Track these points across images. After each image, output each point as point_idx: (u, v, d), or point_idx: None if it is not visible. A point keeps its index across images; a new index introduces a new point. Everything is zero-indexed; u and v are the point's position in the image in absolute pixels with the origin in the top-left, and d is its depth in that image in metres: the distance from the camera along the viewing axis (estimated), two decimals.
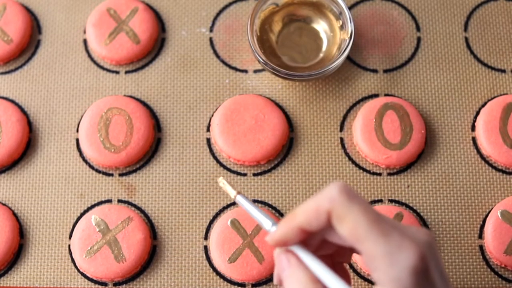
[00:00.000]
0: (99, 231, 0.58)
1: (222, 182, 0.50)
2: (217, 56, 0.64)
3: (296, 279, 0.41)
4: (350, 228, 0.39)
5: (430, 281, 0.39)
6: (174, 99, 0.63)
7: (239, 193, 0.48)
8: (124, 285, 0.58)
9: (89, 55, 0.65)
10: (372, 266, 0.39)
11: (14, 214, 0.60)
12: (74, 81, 0.64)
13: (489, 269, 0.58)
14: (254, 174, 0.61)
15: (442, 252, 0.59)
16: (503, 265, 0.58)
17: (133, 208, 0.60)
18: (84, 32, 0.65)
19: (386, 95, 0.63)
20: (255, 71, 0.64)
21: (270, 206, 0.60)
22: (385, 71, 0.64)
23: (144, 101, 0.63)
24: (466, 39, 0.65)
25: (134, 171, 0.61)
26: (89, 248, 0.58)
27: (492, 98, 0.63)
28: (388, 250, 0.38)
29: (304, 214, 0.41)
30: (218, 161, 0.61)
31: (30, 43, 0.65)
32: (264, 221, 0.45)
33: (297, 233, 0.42)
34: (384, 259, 0.38)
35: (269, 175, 0.61)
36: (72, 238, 0.59)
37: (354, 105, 0.63)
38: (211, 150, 0.62)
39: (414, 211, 0.60)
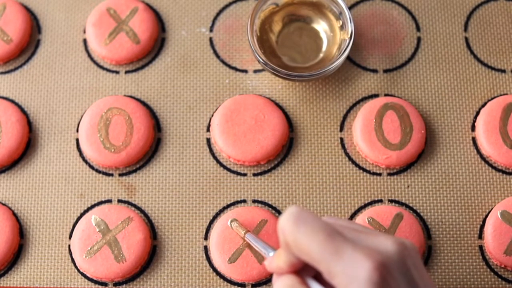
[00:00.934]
0: (99, 231, 0.58)
1: (235, 225, 0.57)
2: (217, 56, 0.64)
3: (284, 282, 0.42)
4: (305, 252, 0.39)
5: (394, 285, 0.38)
6: (174, 99, 0.63)
7: (248, 231, 0.55)
8: (124, 285, 0.58)
9: (89, 55, 0.65)
10: (334, 284, 0.39)
11: (14, 214, 0.60)
12: (74, 81, 0.64)
13: (488, 270, 0.58)
14: (254, 174, 0.61)
15: (442, 252, 0.59)
16: (502, 266, 0.58)
17: (133, 208, 0.60)
18: (84, 32, 0.65)
19: (386, 95, 0.63)
20: (255, 71, 0.64)
21: (270, 206, 0.60)
22: (385, 71, 0.64)
23: (144, 101, 0.63)
24: (466, 39, 0.65)
25: (134, 171, 0.61)
26: (89, 248, 0.58)
27: (492, 98, 0.63)
28: (342, 267, 0.38)
29: (282, 250, 0.42)
30: (218, 161, 0.61)
31: (30, 42, 0.65)
32: (267, 251, 0.50)
33: (290, 266, 0.42)
34: (341, 276, 0.38)
35: (269, 175, 0.61)
36: (72, 238, 0.59)
37: (354, 105, 0.63)
38: (211, 150, 0.62)
39: (414, 211, 0.60)
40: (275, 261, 0.43)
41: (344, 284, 0.38)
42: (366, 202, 0.60)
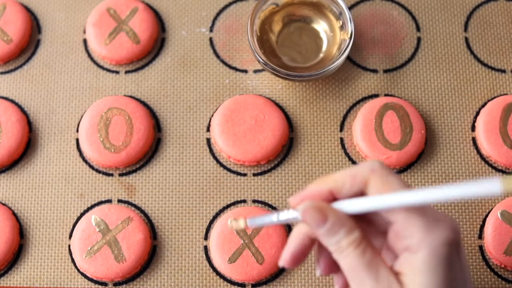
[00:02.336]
0: (99, 231, 0.58)
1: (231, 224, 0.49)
2: (217, 56, 0.64)
3: (333, 232, 0.40)
4: (388, 190, 0.40)
5: (460, 255, 0.39)
6: (174, 99, 0.63)
7: (244, 220, 0.46)
8: (124, 285, 0.58)
9: (89, 55, 0.65)
10: (404, 234, 0.39)
11: (14, 214, 0.60)
12: (74, 81, 0.64)
13: (488, 270, 0.58)
14: (254, 174, 0.61)
15: None
16: (502, 266, 0.58)
17: (133, 208, 0.60)
18: (84, 32, 0.65)
19: (386, 95, 0.63)
20: (255, 71, 0.64)
21: (270, 206, 0.60)
22: (385, 71, 0.64)
23: (144, 101, 0.63)
24: (466, 39, 0.65)
25: (134, 171, 0.61)
26: (89, 248, 0.58)
27: (492, 98, 0.63)
28: (425, 220, 0.39)
29: (339, 178, 0.41)
30: (218, 161, 0.61)
31: (30, 42, 0.65)
32: (282, 214, 0.43)
33: (325, 196, 0.42)
34: (420, 227, 0.39)
35: (269, 175, 0.61)
36: (72, 238, 0.59)
37: (354, 105, 0.63)
38: (211, 150, 0.62)
39: None
40: (312, 189, 0.42)
41: (419, 235, 0.39)
42: None
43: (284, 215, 0.43)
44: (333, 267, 0.44)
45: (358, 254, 0.40)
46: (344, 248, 0.40)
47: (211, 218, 0.60)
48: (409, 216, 0.39)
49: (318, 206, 0.41)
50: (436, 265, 0.38)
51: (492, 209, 0.59)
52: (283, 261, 0.43)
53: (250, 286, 0.58)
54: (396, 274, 0.39)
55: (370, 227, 0.43)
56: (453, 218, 0.41)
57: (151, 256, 0.59)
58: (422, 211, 0.39)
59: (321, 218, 0.40)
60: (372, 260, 0.39)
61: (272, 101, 0.63)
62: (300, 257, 0.43)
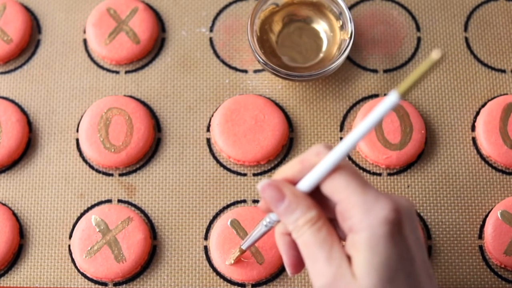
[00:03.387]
0: (99, 231, 0.58)
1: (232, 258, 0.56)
2: (217, 56, 0.64)
3: (291, 210, 0.42)
4: (330, 179, 0.41)
5: (403, 235, 0.40)
6: (174, 99, 0.63)
7: (240, 246, 0.53)
8: (124, 285, 0.58)
9: (89, 55, 0.65)
10: (346, 215, 0.40)
11: (14, 214, 0.60)
12: (74, 81, 0.64)
13: (488, 270, 0.58)
14: (254, 174, 0.61)
15: (442, 252, 0.59)
16: (502, 266, 0.58)
17: (133, 208, 0.60)
18: (84, 32, 0.65)
19: (386, 95, 0.63)
20: (255, 71, 0.64)
21: None
22: (385, 71, 0.64)
23: (144, 101, 0.63)
24: (466, 39, 0.65)
25: (134, 171, 0.61)
26: (89, 248, 0.58)
27: (492, 98, 0.63)
28: (363, 200, 0.40)
29: (290, 167, 0.43)
30: (218, 161, 0.61)
31: (30, 43, 0.65)
32: (264, 221, 0.47)
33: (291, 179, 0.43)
34: (360, 208, 0.40)
35: (269, 175, 0.61)
36: (72, 238, 0.59)
37: (354, 105, 0.63)
38: (211, 150, 0.62)
39: None
40: (283, 172, 0.44)
41: (359, 216, 0.40)
42: None
43: (265, 220, 0.47)
44: (301, 263, 0.46)
45: (313, 232, 0.41)
46: (300, 227, 0.42)
47: (211, 218, 0.60)
48: (350, 196, 0.40)
49: (275, 183, 0.42)
50: (376, 244, 0.39)
51: (492, 209, 0.59)
52: (289, 273, 0.47)
53: (250, 286, 0.58)
54: (347, 255, 0.41)
55: (327, 211, 0.45)
56: (397, 197, 0.41)
57: (151, 256, 0.59)
58: (363, 191, 0.40)
59: (279, 195, 0.42)
60: (326, 239, 0.41)
61: (272, 101, 0.63)
62: (298, 261, 0.46)
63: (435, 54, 0.36)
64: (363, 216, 0.39)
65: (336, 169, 0.41)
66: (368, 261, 0.39)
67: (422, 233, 0.43)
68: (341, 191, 0.41)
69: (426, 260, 0.42)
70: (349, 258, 0.40)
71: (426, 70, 0.37)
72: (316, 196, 0.43)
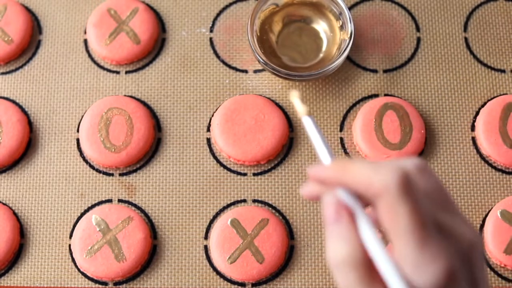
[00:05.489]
0: (99, 230, 0.58)
1: (295, 97, 0.44)
2: (217, 56, 0.65)
3: (341, 237, 0.38)
4: (391, 222, 0.37)
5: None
6: (174, 99, 0.63)
7: (308, 115, 0.42)
8: (124, 285, 0.58)
9: (90, 55, 0.65)
10: (399, 261, 0.37)
11: (15, 214, 0.60)
12: (74, 81, 0.64)
13: (488, 269, 0.58)
14: (254, 174, 0.61)
15: None
16: (502, 265, 0.58)
17: (133, 208, 0.60)
18: (85, 32, 0.66)
19: (386, 95, 0.63)
20: (255, 71, 0.64)
21: (270, 205, 0.60)
22: (385, 71, 0.64)
23: (144, 101, 0.63)
24: (466, 39, 0.65)
25: (134, 171, 0.61)
26: (89, 247, 0.58)
27: (491, 98, 0.63)
28: (416, 260, 0.36)
29: (356, 179, 0.38)
30: (218, 161, 0.61)
31: (30, 43, 0.65)
32: (323, 155, 0.40)
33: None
34: (411, 266, 0.37)
35: (269, 175, 0.61)
36: (72, 237, 0.59)
37: (354, 105, 0.63)
38: (211, 150, 0.62)
39: None
40: (328, 174, 0.39)
41: (409, 271, 0.37)
42: None
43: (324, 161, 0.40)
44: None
45: (358, 277, 0.37)
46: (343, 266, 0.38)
47: (211, 217, 0.60)
48: (404, 249, 0.37)
49: (342, 205, 0.38)
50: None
51: (492, 208, 0.59)
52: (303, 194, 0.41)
53: (250, 286, 0.58)
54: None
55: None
56: (465, 241, 0.38)
57: (151, 255, 0.59)
58: (422, 246, 0.36)
59: (337, 216, 0.38)
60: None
61: (272, 101, 0.63)
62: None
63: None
64: (412, 274, 0.36)
65: (399, 209, 0.37)
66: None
67: (486, 276, 0.41)
68: (397, 238, 0.37)
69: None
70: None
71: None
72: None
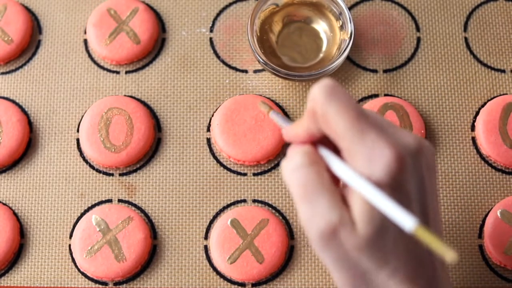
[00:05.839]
0: (99, 230, 0.58)
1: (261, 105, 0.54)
2: (217, 56, 0.65)
3: (298, 150, 0.41)
4: (331, 126, 0.39)
5: (403, 183, 0.38)
6: (174, 99, 0.63)
7: (271, 110, 0.52)
8: (124, 285, 0.58)
9: (90, 55, 0.65)
10: (351, 163, 0.39)
11: (15, 214, 0.60)
12: (74, 81, 0.64)
13: (488, 269, 0.58)
14: (254, 174, 0.61)
15: None
16: (502, 265, 0.58)
17: (133, 208, 0.60)
18: (85, 32, 0.66)
19: (386, 95, 0.63)
20: (255, 71, 0.64)
21: (270, 205, 0.60)
22: (385, 71, 0.64)
23: (144, 101, 0.63)
24: (466, 39, 0.65)
25: (135, 171, 0.61)
26: (89, 247, 0.58)
27: (491, 98, 0.63)
28: (363, 149, 0.38)
29: (305, 118, 0.41)
30: (218, 161, 0.61)
31: (30, 43, 0.65)
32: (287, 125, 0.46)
33: (309, 135, 0.42)
34: (360, 158, 0.38)
35: (269, 175, 0.61)
36: (72, 237, 0.59)
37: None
38: (211, 150, 0.62)
39: None
40: (294, 128, 0.43)
41: (361, 165, 0.38)
42: None
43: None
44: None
45: (316, 172, 0.40)
46: (301, 165, 0.41)
47: (211, 218, 0.60)
48: (349, 144, 0.38)
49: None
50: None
51: (492, 208, 0.59)
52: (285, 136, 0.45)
53: (250, 286, 0.58)
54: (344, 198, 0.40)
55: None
56: (408, 141, 0.39)
57: (151, 255, 0.59)
58: (362, 136, 0.38)
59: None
60: (329, 181, 0.40)
61: (272, 101, 0.63)
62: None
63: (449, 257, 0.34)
64: (364, 164, 0.38)
65: (330, 110, 0.39)
66: (368, 210, 0.37)
67: (434, 167, 0.42)
68: (341, 138, 0.39)
69: (426, 202, 0.40)
70: (345, 201, 0.39)
71: None
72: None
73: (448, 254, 0.34)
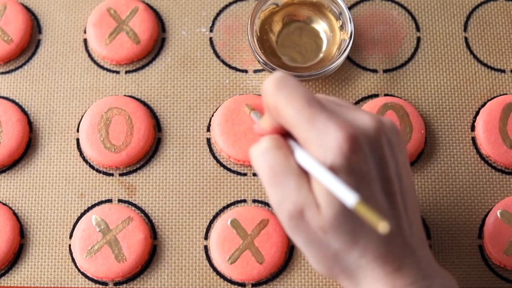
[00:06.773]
0: (99, 231, 0.58)
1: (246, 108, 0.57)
2: (217, 56, 0.65)
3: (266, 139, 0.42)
4: (282, 116, 0.40)
5: (358, 162, 0.39)
6: (174, 99, 0.63)
7: (253, 110, 0.55)
8: (124, 285, 0.58)
9: (89, 55, 0.65)
10: (308, 150, 0.40)
11: (15, 214, 0.60)
12: (74, 81, 0.64)
13: (488, 269, 0.59)
14: (254, 174, 0.61)
15: (441, 252, 0.59)
16: (502, 265, 0.58)
17: (133, 208, 0.60)
18: (84, 32, 0.65)
19: (386, 95, 0.63)
20: (255, 71, 0.64)
21: (270, 205, 0.60)
22: (385, 71, 0.64)
23: (144, 101, 0.63)
24: (466, 39, 0.65)
25: (134, 171, 0.61)
26: (89, 248, 0.58)
27: (491, 98, 0.63)
28: (314, 134, 0.38)
29: (266, 114, 0.43)
30: (218, 161, 0.61)
31: (30, 43, 0.65)
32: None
33: (272, 129, 0.43)
34: (313, 144, 0.39)
35: None
36: (72, 238, 0.59)
37: (354, 105, 0.63)
38: (211, 150, 0.62)
39: None
40: (261, 122, 0.44)
41: (315, 150, 0.39)
42: None
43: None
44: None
45: (283, 155, 0.41)
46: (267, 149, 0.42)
47: (211, 218, 0.60)
48: (301, 132, 0.39)
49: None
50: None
51: (491, 208, 0.59)
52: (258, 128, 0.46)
53: (250, 286, 0.58)
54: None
55: None
56: (363, 122, 0.40)
57: (152, 255, 0.59)
58: (312, 121, 0.39)
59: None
60: (295, 165, 0.41)
61: None
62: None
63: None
64: (316, 151, 0.38)
65: (280, 101, 0.40)
66: (328, 193, 0.38)
67: (400, 144, 0.42)
68: (293, 128, 0.39)
69: (391, 182, 0.41)
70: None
71: None
72: None
73: (380, 225, 0.34)
